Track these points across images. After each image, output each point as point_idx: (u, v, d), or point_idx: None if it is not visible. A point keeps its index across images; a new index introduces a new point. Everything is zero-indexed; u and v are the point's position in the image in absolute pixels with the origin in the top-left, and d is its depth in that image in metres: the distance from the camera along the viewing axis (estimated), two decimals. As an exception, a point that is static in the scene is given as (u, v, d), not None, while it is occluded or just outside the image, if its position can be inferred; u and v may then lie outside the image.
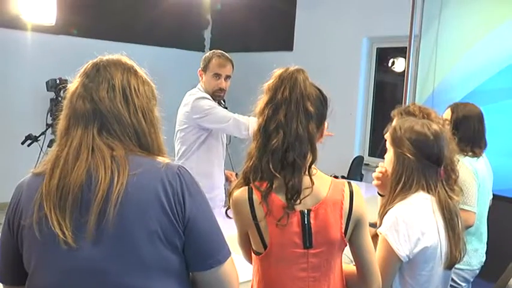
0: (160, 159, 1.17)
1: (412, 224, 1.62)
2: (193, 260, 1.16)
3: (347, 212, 1.42)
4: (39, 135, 4.69)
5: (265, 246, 1.40)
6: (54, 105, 4.64)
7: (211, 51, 2.94)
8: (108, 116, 1.15)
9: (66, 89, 1.24)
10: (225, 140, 3.09)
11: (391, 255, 1.61)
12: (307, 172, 1.40)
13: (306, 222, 1.38)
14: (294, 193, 1.36)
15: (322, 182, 1.43)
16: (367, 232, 1.50)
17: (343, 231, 1.42)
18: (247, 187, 1.41)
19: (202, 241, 1.15)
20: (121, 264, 1.08)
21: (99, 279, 1.08)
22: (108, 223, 1.06)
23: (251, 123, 2.63)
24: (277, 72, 1.44)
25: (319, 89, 1.46)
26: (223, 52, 2.93)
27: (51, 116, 4.61)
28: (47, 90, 4.80)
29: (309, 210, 1.39)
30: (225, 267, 1.17)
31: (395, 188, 1.71)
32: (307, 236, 1.39)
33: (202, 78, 2.92)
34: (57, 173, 1.10)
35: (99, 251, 1.07)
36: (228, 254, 1.19)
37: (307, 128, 1.39)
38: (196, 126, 2.84)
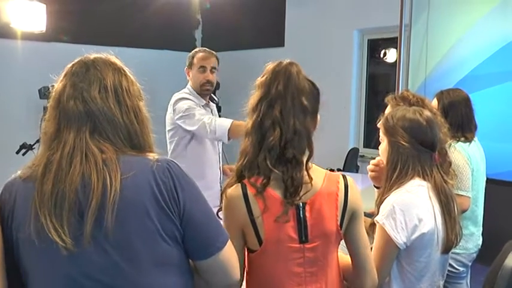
0: (150, 155, 1.16)
1: (409, 211, 1.63)
2: (193, 250, 1.17)
3: (342, 203, 1.40)
4: (34, 144, 4.67)
5: (260, 243, 1.36)
6: (48, 113, 4.62)
7: (194, 50, 2.99)
8: (100, 117, 1.12)
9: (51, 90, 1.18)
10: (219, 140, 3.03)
11: (388, 243, 1.61)
12: (304, 167, 1.37)
13: (301, 216, 1.36)
14: (295, 189, 1.33)
15: (317, 175, 1.41)
16: (363, 226, 1.48)
17: (338, 223, 1.40)
18: (240, 184, 1.37)
19: (200, 231, 1.17)
20: (126, 267, 1.07)
21: (105, 283, 1.07)
22: (107, 230, 1.05)
23: (218, 125, 2.65)
24: (270, 66, 1.41)
25: (311, 82, 1.43)
26: (207, 48, 2.99)
27: (45, 123, 4.59)
28: (40, 98, 4.78)
29: (304, 204, 1.36)
30: (224, 252, 1.19)
31: (392, 176, 1.73)
32: (302, 230, 1.36)
33: (189, 75, 2.96)
34: (50, 178, 1.07)
35: (101, 257, 1.06)
36: (226, 238, 1.21)
37: (304, 123, 1.36)
38: (180, 127, 2.81)
